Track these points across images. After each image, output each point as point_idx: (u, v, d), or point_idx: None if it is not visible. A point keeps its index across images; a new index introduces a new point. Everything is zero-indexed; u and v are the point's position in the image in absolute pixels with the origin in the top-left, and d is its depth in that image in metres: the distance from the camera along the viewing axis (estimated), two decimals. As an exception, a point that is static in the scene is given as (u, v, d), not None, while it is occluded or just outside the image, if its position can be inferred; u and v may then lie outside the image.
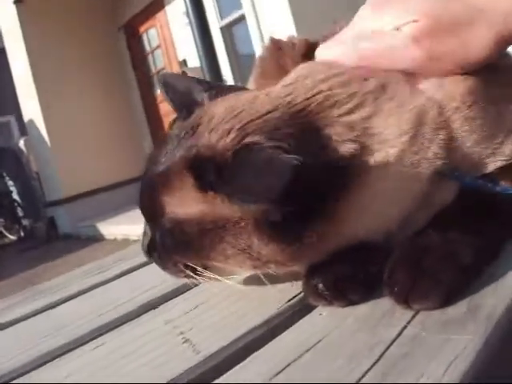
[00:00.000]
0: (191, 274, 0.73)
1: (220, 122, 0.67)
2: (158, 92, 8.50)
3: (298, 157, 0.56)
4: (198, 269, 0.72)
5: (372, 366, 0.52)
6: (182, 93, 0.82)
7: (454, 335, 0.54)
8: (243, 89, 0.86)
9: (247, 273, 0.76)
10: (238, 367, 0.59)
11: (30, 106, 8.68)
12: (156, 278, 0.93)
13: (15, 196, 9.72)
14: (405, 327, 0.58)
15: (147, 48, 8.75)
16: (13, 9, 8.18)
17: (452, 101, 0.72)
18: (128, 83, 9.05)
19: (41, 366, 0.74)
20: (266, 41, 1.27)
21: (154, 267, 0.80)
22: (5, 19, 8.69)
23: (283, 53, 1.20)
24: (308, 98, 0.68)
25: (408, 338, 0.56)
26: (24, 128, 9.71)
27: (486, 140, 0.73)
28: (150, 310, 0.85)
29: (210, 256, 0.69)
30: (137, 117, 9.04)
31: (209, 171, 0.63)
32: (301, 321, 0.67)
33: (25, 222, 9.61)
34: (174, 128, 0.77)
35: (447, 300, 0.60)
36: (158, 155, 0.72)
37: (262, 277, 0.72)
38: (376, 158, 0.65)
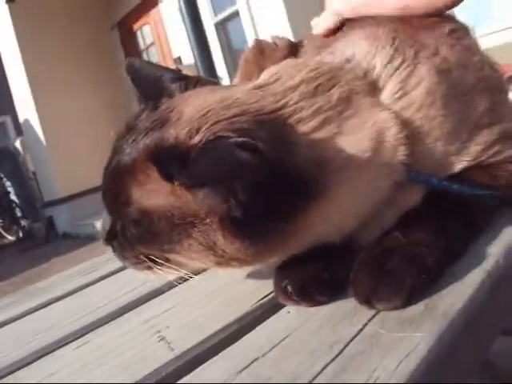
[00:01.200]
0: (152, 265, 0.74)
1: (188, 120, 0.68)
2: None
3: (260, 155, 0.58)
4: (159, 261, 0.73)
5: (330, 362, 0.55)
6: (150, 81, 0.83)
7: (409, 333, 0.57)
8: (212, 83, 0.86)
9: (209, 268, 0.79)
10: (208, 362, 0.63)
11: (24, 105, 8.68)
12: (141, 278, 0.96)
13: (13, 196, 9.72)
14: (365, 325, 0.61)
15: (141, 45, 8.76)
16: (5, 9, 8.18)
17: (411, 105, 0.75)
18: (123, 80, 9.02)
19: (28, 364, 0.78)
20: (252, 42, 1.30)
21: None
22: (-2, 21, 8.71)
23: (264, 55, 1.23)
24: (274, 111, 0.69)
25: (366, 336, 0.59)
26: (20, 128, 9.72)
27: (449, 137, 0.76)
28: (131, 309, 0.89)
29: (175, 249, 0.69)
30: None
31: (172, 163, 0.64)
32: (270, 319, 0.70)
33: (23, 222, 9.61)
34: (141, 118, 0.76)
35: (409, 300, 0.63)
36: (123, 144, 0.72)
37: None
38: (339, 172, 0.67)
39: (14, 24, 8.18)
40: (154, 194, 0.68)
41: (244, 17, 6.62)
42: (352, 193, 0.69)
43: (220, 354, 0.64)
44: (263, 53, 1.24)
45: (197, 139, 0.64)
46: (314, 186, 0.65)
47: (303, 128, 0.68)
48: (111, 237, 0.77)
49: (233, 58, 7.12)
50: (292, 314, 0.70)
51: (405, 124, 0.73)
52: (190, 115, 0.69)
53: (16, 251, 8.44)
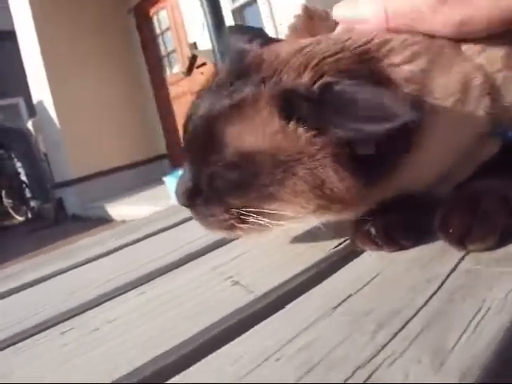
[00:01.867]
0: (244, 218, 0.70)
1: (290, 59, 0.67)
2: (168, 74, 8.52)
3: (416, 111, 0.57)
4: (253, 214, 0.69)
5: (433, 295, 0.54)
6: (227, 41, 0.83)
7: (508, 268, 0.56)
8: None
9: (298, 221, 0.74)
10: (296, 301, 0.61)
11: (39, 87, 8.69)
12: (196, 233, 0.95)
13: (23, 177, 9.74)
14: (458, 263, 0.61)
15: (157, 30, 8.71)
16: (23, -11, 8.17)
17: (494, 64, 0.72)
18: (138, 65, 9.04)
19: (86, 310, 0.76)
20: (298, 11, 1.27)
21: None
22: (15, 1, 8.68)
23: (314, 23, 1.20)
24: (367, 43, 0.68)
25: (463, 272, 0.58)
26: (33, 109, 9.73)
27: None
28: (193, 260, 0.87)
29: (275, 193, 0.66)
30: (146, 99, 9.03)
31: (296, 104, 0.63)
32: (351, 262, 0.69)
33: (33, 203, 9.63)
34: (221, 74, 0.76)
35: (500, 241, 0.62)
36: (210, 97, 0.71)
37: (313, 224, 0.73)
38: (431, 113, 0.66)
39: (31, 6, 8.16)
40: (259, 133, 0.66)
41: (261, 4, 6.58)
42: (443, 136, 0.67)
43: (306, 294, 0.63)
44: (313, 20, 1.22)
45: (310, 79, 0.64)
46: (414, 125, 0.64)
47: (396, 58, 0.67)
48: (194, 194, 0.73)
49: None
50: (375, 258, 0.69)
51: (487, 78, 0.72)
52: (290, 55, 0.68)
53: (24, 232, 8.46)
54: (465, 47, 0.74)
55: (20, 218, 9.83)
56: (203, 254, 0.89)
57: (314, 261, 0.72)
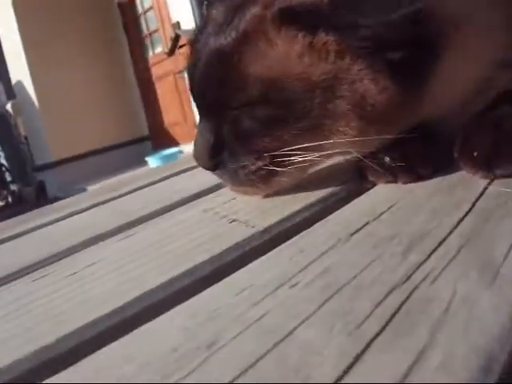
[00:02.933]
0: (280, 161, 0.62)
1: None
2: (150, 55, 8.37)
3: None
4: (289, 154, 0.61)
5: (463, 218, 0.47)
6: None
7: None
8: None
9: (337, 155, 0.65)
10: (306, 231, 0.54)
11: (17, 68, 8.49)
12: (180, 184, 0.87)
13: (3, 160, 9.54)
14: (485, 188, 0.54)
15: (139, 9, 8.54)
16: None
17: None
18: (120, 45, 8.86)
19: (67, 256, 0.68)
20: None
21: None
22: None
23: None
24: None
25: (492, 196, 0.52)
26: (11, 91, 9.52)
27: None
28: (183, 204, 0.80)
29: (316, 122, 0.59)
30: (128, 80, 8.87)
31: (315, 16, 0.56)
32: (362, 196, 0.62)
33: (13, 187, 9.45)
34: (214, 11, 0.69)
35: None
36: (213, 37, 0.64)
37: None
38: (455, 27, 0.60)
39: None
40: (283, 57, 0.59)
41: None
42: (466, 54, 0.61)
43: (315, 225, 0.55)
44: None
45: None
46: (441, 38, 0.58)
47: None
48: (217, 149, 0.65)
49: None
50: (388, 190, 0.61)
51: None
52: None
53: (5, 216, 8.29)
54: None
55: (0, 203, 9.65)
56: (191, 201, 0.81)
57: (317, 198, 0.65)
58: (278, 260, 0.48)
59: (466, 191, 0.54)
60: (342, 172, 0.64)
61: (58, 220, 0.95)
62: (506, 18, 0.66)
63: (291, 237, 0.53)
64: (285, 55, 0.59)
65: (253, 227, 0.59)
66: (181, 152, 6.11)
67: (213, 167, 0.66)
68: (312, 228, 0.54)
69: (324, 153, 0.61)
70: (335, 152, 0.61)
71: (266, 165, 0.62)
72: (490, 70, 0.66)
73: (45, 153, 8.52)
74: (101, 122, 8.38)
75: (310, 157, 0.61)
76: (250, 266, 0.49)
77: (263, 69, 0.59)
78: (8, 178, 9.65)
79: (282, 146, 0.61)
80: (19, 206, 8.72)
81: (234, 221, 0.64)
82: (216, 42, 0.63)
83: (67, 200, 1.23)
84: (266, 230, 0.58)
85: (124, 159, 8.06)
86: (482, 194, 0.52)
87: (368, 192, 0.62)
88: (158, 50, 8.17)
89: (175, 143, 7.43)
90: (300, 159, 0.61)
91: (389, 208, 0.54)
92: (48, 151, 8.39)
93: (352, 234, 0.49)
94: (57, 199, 7.41)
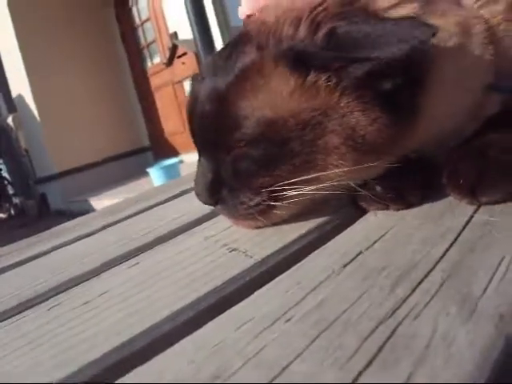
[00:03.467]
0: (277, 196, 0.65)
1: (279, 20, 0.64)
2: (149, 65, 8.41)
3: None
4: (286, 189, 0.63)
5: (450, 247, 0.51)
6: None
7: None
8: None
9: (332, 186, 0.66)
10: (301, 262, 0.57)
11: (18, 81, 8.53)
12: (182, 208, 0.90)
13: (5, 174, 9.59)
14: (471, 217, 0.57)
15: (137, 20, 8.59)
16: (-2, -18, 8.01)
17: (496, 16, 0.70)
18: (118, 57, 8.91)
19: (75, 286, 0.71)
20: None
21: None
22: (-10, -7, 8.52)
23: None
24: None
25: (479, 224, 0.55)
26: (12, 105, 9.56)
27: None
28: (185, 231, 0.83)
29: (310, 158, 0.61)
30: (127, 91, 8.92)
31: (307, 57, 0.59)
32: (356, 223, 0.65)
33: (15, 199, 9.49)
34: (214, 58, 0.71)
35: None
36: (211, 78, 0.67)
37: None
38: (436, 56, 0.63)
39: (7, -2, 8.01)
40: (277, 97, 0.62)
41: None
42: (452, 80, 0.64)
43: (311, 255, 0.58)
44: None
45: (308, 31, 0.61)
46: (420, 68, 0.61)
47: (381, 3, 0.64)
48: (217, 187, 0.68)
49: (230, 35, 7.00)
50: (380, 218, 0.65)
51: (489, 28, 0.69)
52: (275, 17, 0.66)
53: (7, 229, 8.33)
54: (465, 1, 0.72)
55: (3, 215, 9.68)
56: (193, 227, 0.84)
57: (313, 225, 0.68)
58: (276, 292, 0.51)
59: (453, 219, 0.57)
60: (336, 199, 0.67)
61: (66, 244, 0.98)
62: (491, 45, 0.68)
63: (289, 267, 0.56)
64: (277, 94, 0.61)
65: (251, 257, 0.62)
66: (181, 162, 6.14)
67: (213, 203, 0.70)
68: (309, 258, 0.58)
69: (320, 185, 0.64)
70: (331, 184, 0.64)
71: (263, 200, 0.65)
72: (479, 97, 0.68)
73: (46, 165, 8.55)
74: (101, 134, 8.42)
75: (305, 190, 0.63)
76: (252, 297, 0.52)
77: (257, 108, 0.62)
78: (10, 191, 9.69)
79: (279, 181, 0.64)
80: (22, 218, 8.77)
81: (234, 250, 0.67)
82: (212, 82, 0.66)
83: (75, 221, 1.25)
84: (264, 261, 0.61)
85: (126, 170, 8.11)
86: (468, 222, 0.55)
87: (361, 219, 0.66)
88: (157, 60, 8.21)
89: (175, 153, 7.46)
90: (295, 193, 0.64)
91: (381, 236, 0.57)
92: (49, 164, 8.42)
93: (345, 265, 0.52)
94: (58, 212, 7.38)
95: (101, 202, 7.43)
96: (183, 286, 0.59)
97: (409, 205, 0.65)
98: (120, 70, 8.91)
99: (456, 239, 0.52)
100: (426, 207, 0.64)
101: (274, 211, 0.67)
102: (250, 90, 0.62)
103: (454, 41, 0.64)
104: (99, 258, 0.79)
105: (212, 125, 0.66)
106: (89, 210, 7.56)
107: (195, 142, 0.71)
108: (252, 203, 0.66)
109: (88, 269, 0.75)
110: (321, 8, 0.62)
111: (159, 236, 0.83)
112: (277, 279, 0.54)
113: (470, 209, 0.59)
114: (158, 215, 1.03)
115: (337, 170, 0.62)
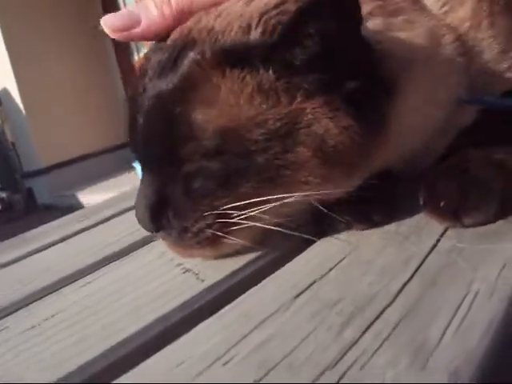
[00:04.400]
0: (228, 222, 0.56)
1: (230, 20, 0.57)
2: (136, 58, 8.33)
3: None
4: (240, 214, 0.55)
5: (410, 279, 0.46)
6: None
7: (495, 245, 0.49)
8: None
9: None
10: (250, 291, 0.52)
11: (3, 74, 8.43)
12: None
13: (-9, 168, 9.49)
14: (438, 240, 0.53)
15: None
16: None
17: (463, 23, 0.67)
18: (105, 49, 8.82)
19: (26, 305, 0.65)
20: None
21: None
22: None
23: None
24: None
25: (444, 250, 0.50)
26: (-3, 98, 9.46)
27: (500, 56, 0.68)
28: (141, 247, 0.77)
29: (277, 173, 0.54)
30: (114, 84, 8.84)
31: (254, 53, 0.54)
32: (315, 245, 0.60)
33: (2, 194, 9.40)
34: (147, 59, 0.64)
35: (500, 211, 0.54)
36: (147, 84, 0.59)
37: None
38: (405, 67, 0.59)
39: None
40: (233, 102, 0.54)
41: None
42: (422, 92, 0.61)
43: (263, 282, 0.53)
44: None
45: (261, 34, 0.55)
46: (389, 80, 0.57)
47: None
48: (161, 209, 0.58)
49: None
50: (341, 240, 0.59)
51: (459, 38, 0.66)
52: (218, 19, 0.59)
53: (-4, 223, 8.25)
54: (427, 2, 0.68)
55: (-11, 211, 9.59)
56: (153, 239, 0.78)
57: (269, 246, 0.62)
58: (221, 325, 0.47)
59: (419, 243, 0.53)
60: (298, 215, 0.62)
61: (25, 256, 0.93)
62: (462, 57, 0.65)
63: (240, 294, 0.52)
64: (234, 100, 0.54)
65: (203, 281, 0.57)
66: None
67: (155, 229, 0.60)
68: (260, 285, 0.53)
69: (282, 209, 0.57)
70: (293, 205, 0.57)
71: (208, 225, 0.57)
72: (451, 109, 0.65)
73: (33, 159, 8.48)
74: (88, 128, 8.35)
75: (261, 213, 0.56)
76: (196, 329, 0.47)
77: (213, 117, 0.54)
78: (-3, 185, 9.60)
79: (238, 202, 0.56)
80: (8, 213, 8.67)
81: (187, 271, 0.62)
82: (157, 88, 0.58)
83: (37, 230, 1.20)
84: (213, 287, 0.56)
85: (113, 164, 8.01)
86: (434, 247, 0.51)
87: (321, 240, 0.60)
88: (144, 53, 8.14)
89: (163, 147, 7.40)
90: (251, 215, 0.56)
91: (338, 262, 0.53)
92: (36, 158, 8.35)
93: (296, 297, 0.48)
94: (46, 207, 7.33)
95: (89, 197, 7.37)
96: (131, 311, 0.55)
97: (374, 224, 0.60)
98: (107, 63, 8.85)
99: (418, 268, 0.47)
100: (391, 227, 0.59)
101: (224, 240, 0.58)
102: (201, 98, 0.55)
103: (423, 53, 0.61)
104: (53, 275, 0.73)
105: (158, 138, 0.57)
106: (76, 204, 7.49)
107: (138, 157, 0.63)
108: (195, 229, 0.58)
109: (41, 286, 0.70)
110: (275, 11, 0.56)
111: (118, 250, 0.77)
112: (226, 308, 0.50)
113: (438, 230, 0.54)
114: (122, 224, 0.97)
115: (303, 188, 0.56)
